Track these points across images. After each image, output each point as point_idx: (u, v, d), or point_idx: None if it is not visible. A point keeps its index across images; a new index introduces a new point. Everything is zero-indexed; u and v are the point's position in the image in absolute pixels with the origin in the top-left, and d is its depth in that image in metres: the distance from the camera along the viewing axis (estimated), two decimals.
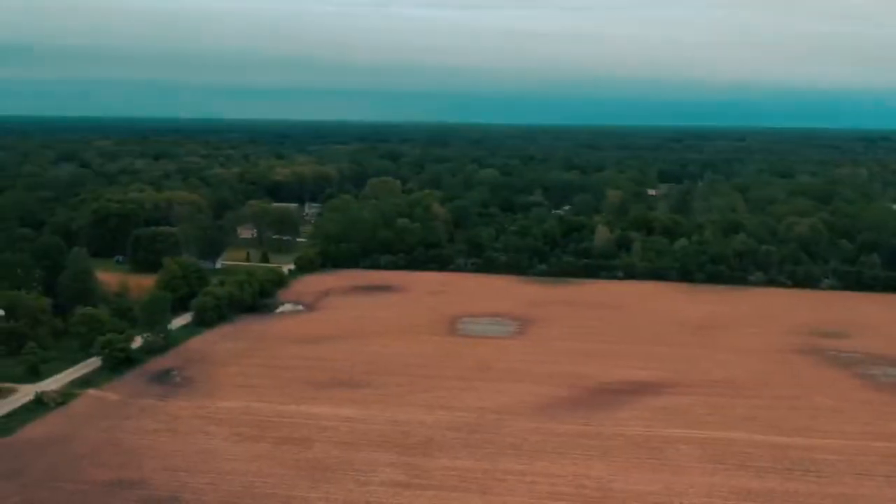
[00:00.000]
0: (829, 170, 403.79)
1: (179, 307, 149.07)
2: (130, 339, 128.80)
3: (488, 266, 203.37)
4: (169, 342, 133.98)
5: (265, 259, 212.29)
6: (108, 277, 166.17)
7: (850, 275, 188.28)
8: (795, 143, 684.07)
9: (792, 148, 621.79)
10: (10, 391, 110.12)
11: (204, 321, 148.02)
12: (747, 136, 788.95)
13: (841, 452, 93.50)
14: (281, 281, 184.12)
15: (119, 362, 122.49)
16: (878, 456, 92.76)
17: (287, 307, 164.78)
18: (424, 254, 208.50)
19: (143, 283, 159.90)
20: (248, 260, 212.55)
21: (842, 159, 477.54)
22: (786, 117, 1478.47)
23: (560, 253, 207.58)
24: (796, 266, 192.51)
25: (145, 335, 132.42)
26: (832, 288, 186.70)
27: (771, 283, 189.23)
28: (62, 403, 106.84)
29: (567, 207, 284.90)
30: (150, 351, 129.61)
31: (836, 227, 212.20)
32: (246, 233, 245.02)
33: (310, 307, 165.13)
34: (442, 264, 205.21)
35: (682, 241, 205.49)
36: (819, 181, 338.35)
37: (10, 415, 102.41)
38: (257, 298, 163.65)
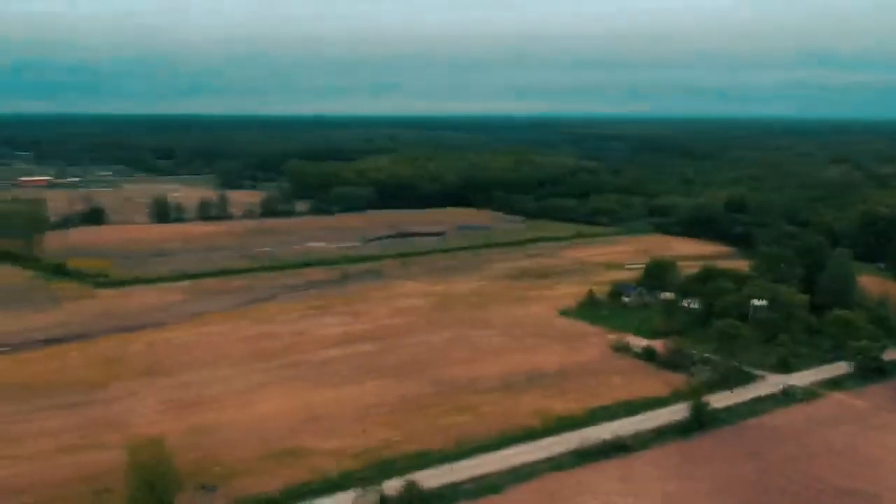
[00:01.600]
0: None
1: None
2: (885, 349, 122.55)
3: None
4: None
5: None
6: (869, 283, 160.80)
7: None
8: None
9: None
10: (760, 378, 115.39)
11: None
12: None
13: None
14: None
15: (870, 370, 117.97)
16: None
17: None
18: None
19: None
20: None
21: None
22: None
23: None
24: None
25: None
26: None
27: None
28: (805, 400, 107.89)
29: None
30: None
31: None
32: None
33: None
34: None
35: None
36: None
37: (757, 400, 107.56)
38: None
